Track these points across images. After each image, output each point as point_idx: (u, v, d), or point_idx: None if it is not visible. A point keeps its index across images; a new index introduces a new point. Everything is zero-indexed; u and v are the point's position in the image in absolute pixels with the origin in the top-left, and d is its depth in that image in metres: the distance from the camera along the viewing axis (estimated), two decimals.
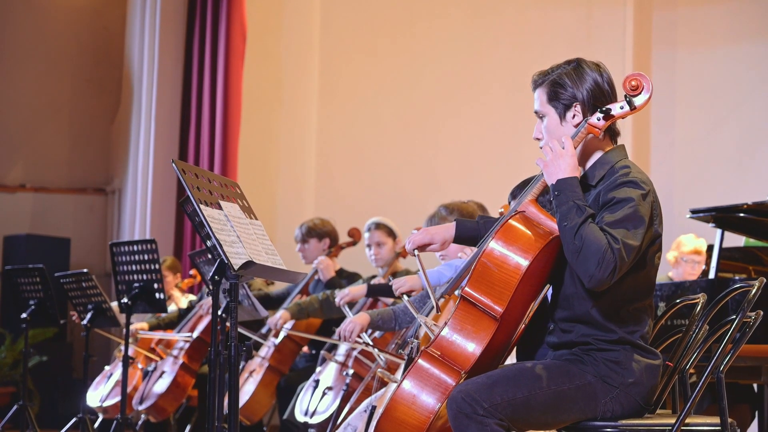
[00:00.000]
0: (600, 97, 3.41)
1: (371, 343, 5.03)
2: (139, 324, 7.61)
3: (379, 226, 6.54)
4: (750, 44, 9.07)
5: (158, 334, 7.39)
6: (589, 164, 3.45)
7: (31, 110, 11.24)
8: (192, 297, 8.27)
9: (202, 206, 3.54)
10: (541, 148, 3.46)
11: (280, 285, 7.55)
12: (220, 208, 3.66)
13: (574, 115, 3.41)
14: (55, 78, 11.30)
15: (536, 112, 3.50)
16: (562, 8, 9.54)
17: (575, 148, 3.36)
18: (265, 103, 9.98)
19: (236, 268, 3.49)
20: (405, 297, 3.97)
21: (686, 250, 6.76)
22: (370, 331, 5.31)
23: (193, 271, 8.43)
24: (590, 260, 3.14)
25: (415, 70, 9.84)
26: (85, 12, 11.37)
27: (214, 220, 3.56)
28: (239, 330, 6.64)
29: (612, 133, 3.48)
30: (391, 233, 6.55)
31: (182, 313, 7.63)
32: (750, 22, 9.09)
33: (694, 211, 5.77)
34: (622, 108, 3.34)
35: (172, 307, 7.82)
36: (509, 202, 3.99)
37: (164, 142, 9.74)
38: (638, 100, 3.34)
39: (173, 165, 3.57)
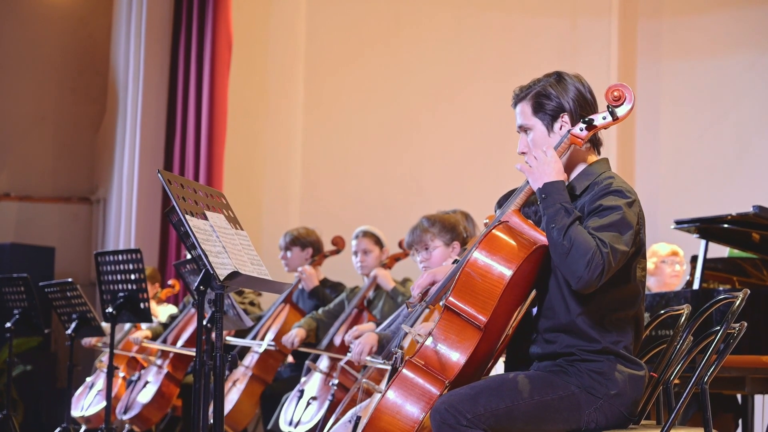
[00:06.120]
0: (585, 106, 3.43)
1: (381, 362, 4.98)
2: (142, 333, 7.47)
3: (366, 234, 6.59)
4: (735, 54, 9.10)
5: (164, 346, 7.21)
6: (573, 176, 3.46)
7: (15, 119, 11.19)
8: (173, 308, 8.22)
9: (187, 216, 3.53)
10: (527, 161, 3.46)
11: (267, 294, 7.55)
12: (205, 218, 3.64)
13: (561, 126, 3.42)
14: (40, 86, 11.25)
15: (520, 127, 3.50)
16: (547, 18, 9.57)
17: (559, 158, 3.36)
18: (251, 112, 9.97)
19: (222, 278, 3.49)
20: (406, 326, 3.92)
21: (665, 253, 6.78)
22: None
23: (172, 281, 8.39)
24: (579, 261, 3.14)
25: (400, 80, 9.85)
26: (70, 20, 11.33)
27: (200, 231, 3.55)
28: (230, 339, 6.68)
29: (595, 143, 3.50)
30: (378, 242, 6.59)
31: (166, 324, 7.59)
32: (734, 32, 9.13)
33: (678, 222, 5.79)
34: (604, 118, 3.36)
35: None
36: (495, 212, 3.99)
37: (149, 151, 9.70)
38: (621, 111, 3.35)
39: (159, 175, 3.56)
